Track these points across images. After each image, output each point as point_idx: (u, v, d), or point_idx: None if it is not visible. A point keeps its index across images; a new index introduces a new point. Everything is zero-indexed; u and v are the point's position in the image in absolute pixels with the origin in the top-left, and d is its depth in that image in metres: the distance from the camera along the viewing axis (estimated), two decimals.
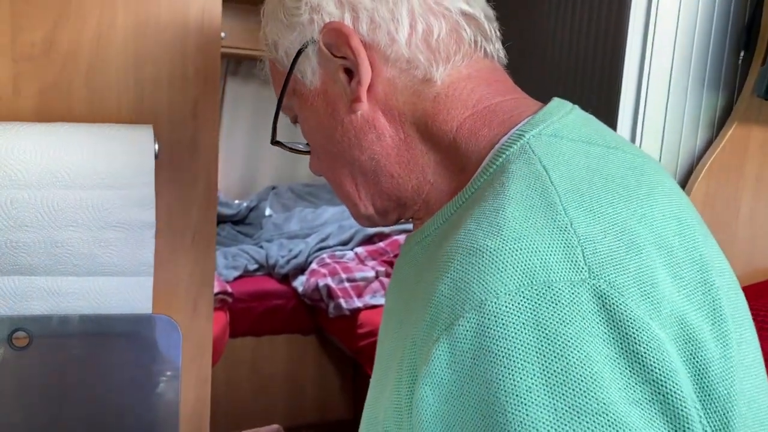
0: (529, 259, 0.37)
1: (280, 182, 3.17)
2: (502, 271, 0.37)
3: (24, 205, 0.72)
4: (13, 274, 0.76)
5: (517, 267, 0.36)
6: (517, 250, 0.37)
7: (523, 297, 0.35)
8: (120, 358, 0.83)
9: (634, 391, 0.34)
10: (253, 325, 2.16)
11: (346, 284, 2.07)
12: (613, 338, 0.35)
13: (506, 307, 0.35)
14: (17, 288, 0.77)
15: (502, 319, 0.35)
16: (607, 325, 0.35)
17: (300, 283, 2.19)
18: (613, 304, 0.35)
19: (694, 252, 0.41)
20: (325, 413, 2.28)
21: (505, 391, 0.34)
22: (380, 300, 2.05)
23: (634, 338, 0.34)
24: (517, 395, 0.34)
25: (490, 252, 0.37)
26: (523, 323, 0.35)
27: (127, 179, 0.75)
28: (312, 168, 0.64)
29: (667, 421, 0.34)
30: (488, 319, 0.35)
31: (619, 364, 0.34)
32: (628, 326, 0.35)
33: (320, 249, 2.27)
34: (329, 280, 2.06)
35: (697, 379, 0.36)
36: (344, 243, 2.30)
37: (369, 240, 2.29)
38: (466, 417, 0.35)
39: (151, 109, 0.84)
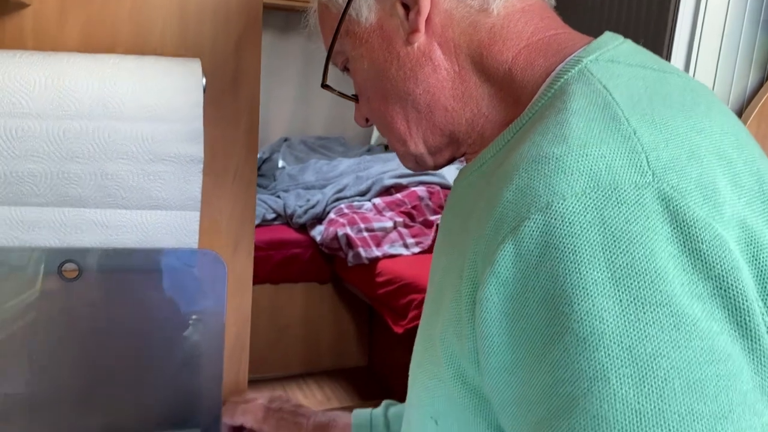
0: (595, 164, 0.38)
1: (293, 135, 3.16)
2: (568, 176, 0.38)
3: (76, 135, 0.72)
4: (64, 206, 0.77)
5: (583, 171, 0.38)
6: (582, 156, 0.39)
7: (589, 198, 0.37)
8: (167, 292, 0.84)
9: (696, 287, 0.35)
10: (271, 273, 2.18)
11: (365, 234, 2.08)
12: (676, 237, 0.36)
13: (572, 207, 0.37)
14: (67, 219, 0.78)
15: (568, 219, 0.37)
16: (671, 225, 0.36)
17: (318, 232, 2.21)
18: (676, 205, 0.36)
19: (752, 165, 0.42)
20: (341, 360, 2.32)
21: (571, 284, 0.35)
22: (398, 250, 2.06)
23: (697, 237, 0.36)
24: (583, 287, 0.35)
25: (556, 158, 0.39)
26: (589, 222, 0.36)
27: (177, 112, 0.74)
28: (358, 117, 0.64)
29: (728, 314, 0.35)
30: (554, 219, 0.37)
31: (681, 261, 0.35)
32: (691, 226, 0.36)
33: (337, 199, 2.27)
34: (348, 230, 2.07)
35: (759, 280, 0.37)
36: (362, 194, 2.30)
37: (386, 191, 2.29)
38: (530, 312, 0.37)
39: (194, 44, 0.84)
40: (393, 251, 2.05)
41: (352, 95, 0.63)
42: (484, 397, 0.42)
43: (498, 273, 0.38)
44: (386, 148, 3.26)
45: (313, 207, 2.27)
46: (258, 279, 2.28)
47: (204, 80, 0.77)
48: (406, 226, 2.16)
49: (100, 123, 0.72)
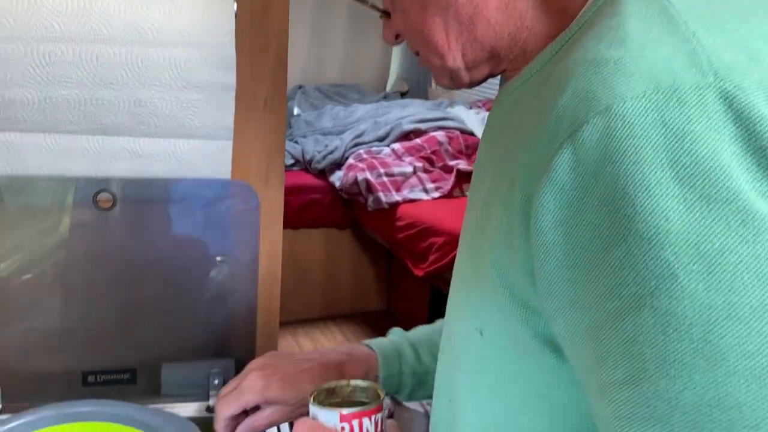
0: (655, 66, 0.37)
1: (307, 82, 3.12)
2: (627, 78, 0.37)
3: (108, 61, 0.71)
4: (98, 134, 0.76)
5: (643, 73, 0.37)
6: (641, 58, 0.38)
7: (650, 100, 0.36)
8: (201, 223, 0.84)
9: (761, 185, 0.34)
10: (291, 218, 2.19)
11: (385, 178, 2.07)
12: (740, 136, 0.35)
13: (633, 110, 0.36)
14: (101, 148, 0.78)
15: (629, 121, 0.36)
16: (735, 124, 0.35)
17: (337, 178, 2.20)
18: (740, 103, 0.35)
19: None
20: (361, 304, 2.35)
21: (633, 185, 0.35)
22: (418, 194, 2.06)
23: (762, 135, 0.35)
24: (646, 188, 0.35)
25: (615, 61, 0.38)
26: (650, 123, 0.36)
27: (209, 38, 0.73)
28: (388, 33, 0.61)
29: None
30: (615, 122, 0.36)
31: (746, 160, 0.35)
32: (756, 124, 0.35)
33: (356, 145, 2.26)
34: (368, 174, 2.07)
35: None
36: (380, 139, 2.28)
37: (405, 137, 2.28)
38: (590, 217, 0.36)
39: None
40: (413, 196, 2.05)
41: (383, 10, 0.60)
42: (531, 308, 0.42)
43: (555, 180, 0.38)
44: (402, 96, 3.21)
45: (331, 152, 2.26)
46: None
47: (235, 5, 0.76)
48: (425, 171, 2.15)
49: (133, 48, 0.71)
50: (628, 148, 0.35)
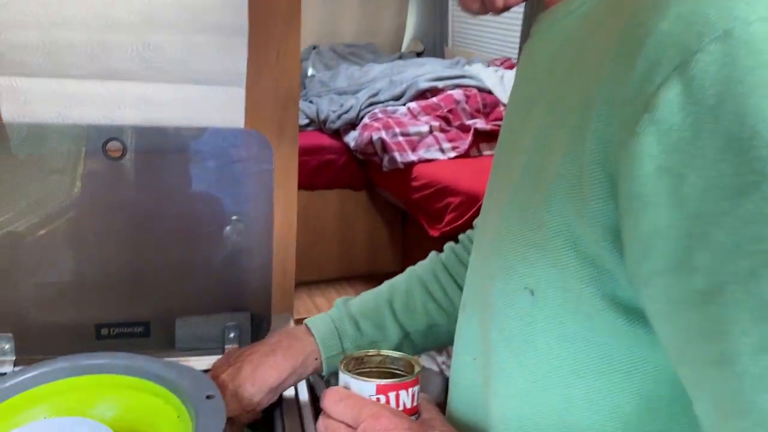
0: None
1: (321, 42, 3.06)
2: None
3: (115, 1, 0.68)
4: (106, 79, 0.74)
5: None
6: None
7: None
8: (214, 173, 0.82)
9: None
10: (306, 179, 2.17)
11: (400, 138, 2.03)
12: None
13: (759, 34, 0.31)
14: (110, 94, 0.75)
15: (755, 47, 0.31)
16: None
17: (352, 138, 2.16)
18: None
19: None
20: (376, 265, 2.34)
21: (765, 123, 0.30)
22: (434, 154, 2.02)
23: None
24: None
25: None
26: None
27: None
28: None
29: None
30: (737, 48, 0.31)
31: None
32: None
33: (371, 104, 2.22)
34: (383, 134, 2.03)
35: None
36: (396, 98, 2.24)
37: (422, 95, 2.23)
38: (708, 163, 0.31)
39: None
40: (429, 156, 2.01)
41: None
42: (601, 267, 0.38)
43: (659, 120, 0.32)
44: (418, 55, 3.15)
45: (346, 112, 2.22)
46: None
47: None
48: (442, 130, 2.11)
49: None
50: (757, 80, 0.30)
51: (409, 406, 0.50)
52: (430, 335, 0.74)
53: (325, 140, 2.23)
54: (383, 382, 0.49)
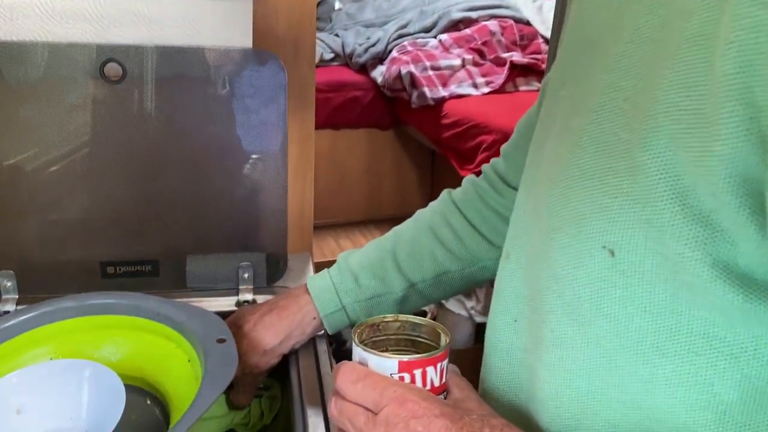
0: None
1: None
2: None
3: None
4: None
5: None
6: None
7: None
8: (223, 99, 0.75)
9: None
10: (331, 117, 2.09)
11: (430, 72, 1.92)
12: None
13: None
14: (105, 11, 0.67)
15: None
16: None
17: (379, 73, 2.06)
18: None
19: None
20: (404, 207, 2.27)
21: None
22: (467, 89, 1.91)
23: None
24: None
25: None
26: None
27: None
28: None
29: None
30: None
31: None
32: None
33: (400, 36, 2.10)
34: (412, 68, 1.92)
35: None
36: (426, 30, 2.11)
37: (454, 27, 2.09)
38: None
39: None
40: (461, 91, 1.90)
41: None
42: (717, 227, 0.30)
43: None
44: None
45: (373, 45, 2.11)
46: (318, 123, 2.20)
47: None
48: (475, 63, 1.99)
49: None
50: None
51: (437, 383, 0.42)
52: (440, 284, 0.67)
53: (351, 76, 2.13)
54: (406, 358, 0.41)
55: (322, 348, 0.72)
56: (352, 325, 0.68)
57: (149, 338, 0.70)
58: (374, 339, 0.46)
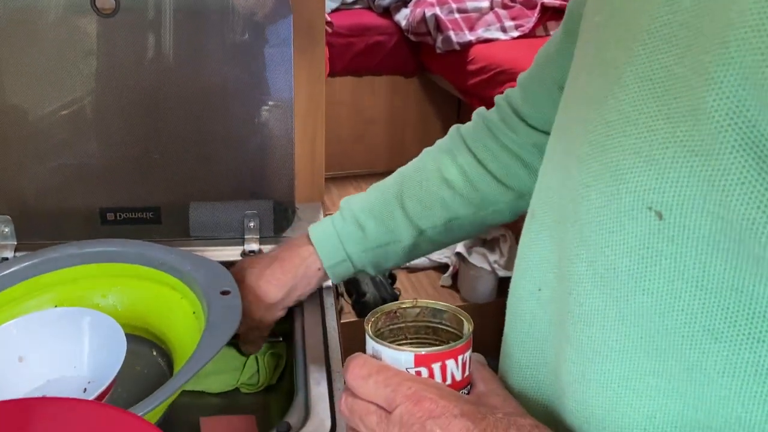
0: None
1: None
2: None
3: None
4: None
5: None
6: None
7: None
8: (221, 34, 0.70)
9: None
10: (353, 63, 2.02)
11: (456, 15, 1.83)
12: None
13: None
14: None
15: None
16: None
17: (403, 16, 1.98)
18: None
19: None
20: None
21: None
22: (495, 34, 1.82)
23: None
24: None
25: None
26: None
27: None
28: None
29: None
30: None
31: None
32: None
33: None
34: (437, 10, 1.83)
35: None
36: None
37: None
38: None
39: None
40: (488, 35, 1.81)
41: None
42: None
43: None
44: None
45: None
46: (339, 69, 2.15)
47: None
48: (504, 6, 1.89)
49: None
50: None
51: (459, 377, 0.38)
52: (451, 230, 0.62)
53: (374, 19, 2.05)
54: (423, 350, 0.37)
55: (329, 302, 0.69)
56: (357, 273, 0.64)
57: (154, 288, 0.68)
58: (391, 327, 0.42)
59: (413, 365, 0.37)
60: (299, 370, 0.59)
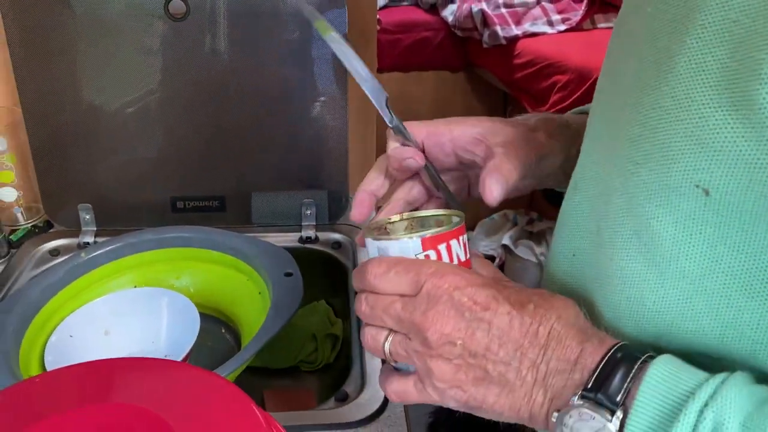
0: None
1: None
2: None
3: None
4: None
5: None
6: None
7: None
8: (282, 34, 0.74)
9: None
10: (400, 59, 2.05)
11: (503, 10, 1.84)
12: None
13: None
14: None
15: None
16: None
17: (450, 12, 2.00)
18: None
19: None
20: None
21: None
22: (541, 27, 1.82)
23: None
24: None
25: None
26: None
27: None
28: None
29: None
30: None
31: None
32: None
33: None
34: (484, 5, 1.85)
35: None
36: None
37: None
38: None
39: None
40: (535, 29, 1.82)
41: None
42: None
43: None
44: None
45: None
46: (386, 65, 2.18)
47: None
48: (550, 0, 1.89)
49: None
50: None
51: (463, 258, 0.39)
52: None
53: (421, 15, 2.08)
54: (428, 233, 0.38)
55: None
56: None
57: (223, 271, 0.72)
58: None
59: (422, 250, 0.38)
60: (355, 344, 0.63)
